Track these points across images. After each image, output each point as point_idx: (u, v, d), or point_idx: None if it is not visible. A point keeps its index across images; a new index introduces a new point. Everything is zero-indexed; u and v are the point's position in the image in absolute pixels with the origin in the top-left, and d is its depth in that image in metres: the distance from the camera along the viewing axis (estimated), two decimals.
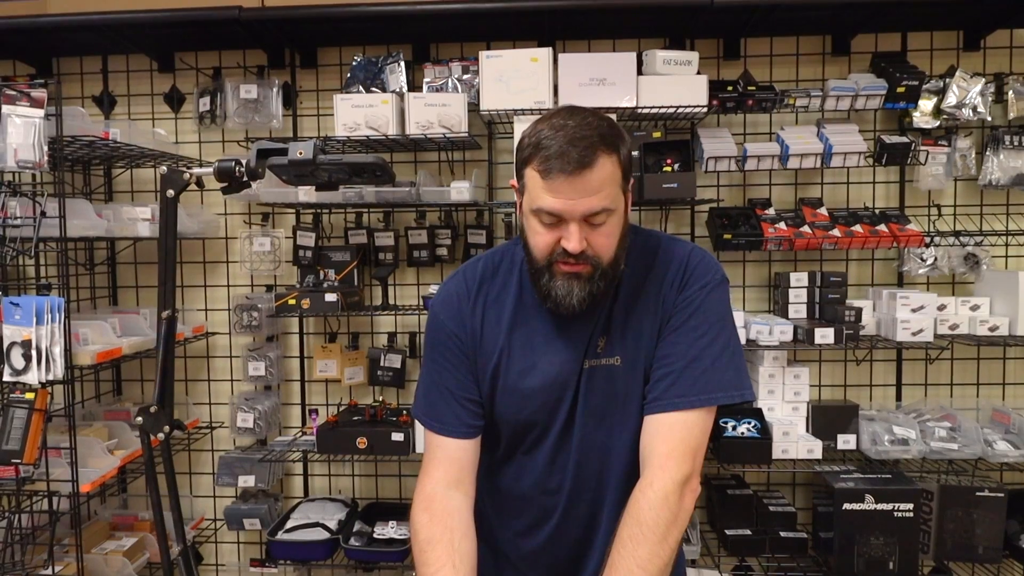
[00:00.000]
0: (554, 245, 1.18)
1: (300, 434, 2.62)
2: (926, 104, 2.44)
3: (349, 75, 2.53)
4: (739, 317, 2.35)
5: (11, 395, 2.01)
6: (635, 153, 2.33)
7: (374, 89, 2.49)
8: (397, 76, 2.49)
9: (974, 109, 2.41)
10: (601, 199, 1.14)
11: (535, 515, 1.36)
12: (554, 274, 1.20)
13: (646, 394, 1.26)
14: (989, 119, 2.44)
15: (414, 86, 2.55)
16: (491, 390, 1.32)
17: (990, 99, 2.43)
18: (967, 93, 2.40)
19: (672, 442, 1.20)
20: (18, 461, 1.98)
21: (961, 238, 2.46)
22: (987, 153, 2.48)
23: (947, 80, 2.42)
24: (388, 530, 2.43)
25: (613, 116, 2.24)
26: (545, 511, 1.34)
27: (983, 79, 2.41)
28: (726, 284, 1.28)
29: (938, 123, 2.45)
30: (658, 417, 1.22)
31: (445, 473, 1.30)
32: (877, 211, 2.51)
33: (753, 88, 2.39)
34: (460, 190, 2.37)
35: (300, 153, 1.14)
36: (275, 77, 2.64)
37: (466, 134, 2.32)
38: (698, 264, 1.27)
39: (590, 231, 1.17)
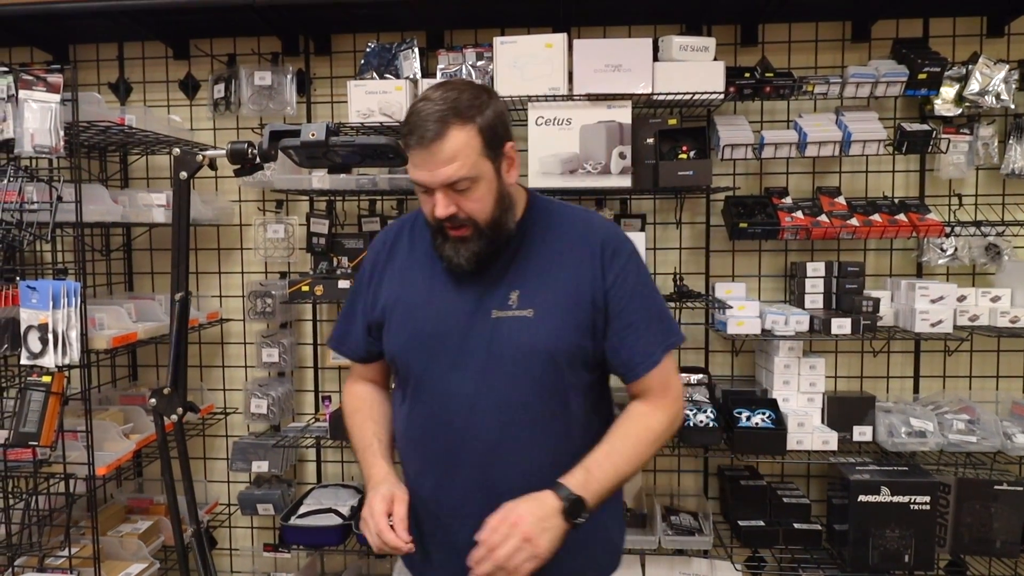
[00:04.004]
0: (434, 210, 1.29)
1: (313, 420, 2.63)
2: (948, 91, 2.40)
3: (363, 62, 2.53)
4: (755, 307, 2.33)
5: (28, 378, 2.03)
6: (650, 140, 2.31)
7: (388, 76, 2.48)
8: (411, 62, 2.48)
9: (997, 96, 2.36)
10: (457, 168, 1.23)
11: (425, 459, 1.39)
12: (445, 237, 1.32)
13: (623, 362, 1.36)
14: (1012, 107, 2.39)
15: (428, 72, 2.53)
16: (393, 334, 1.42)
17: (1014, 86, 2.38)
18: (990, 80, 2.36)
19: (662, 383, 1.37)
20: (35, 443, 2.01)
21: (982, 228, 2.42)
22: (1010, 141, 2.43)
23: (970, 67, 2.37)
24: None
25: (628, 102, 2.25)
26: (436, 455, 1.37)
27: (1007, 66, 2.36)
28: (637, 248, 1.44)
29: (960, 110, 2.40)
30: (646, 377, 1.36)
31: (361, 379, 1.58)
32: (896, 200, 2.47)
33: (771, 75, 2.35)
34: None
35: (312, 134, 1.14)
36: (289, 64, 2.64)
37: None
38: (616, 236, 1.40)
39: (459, 197, 1.27)
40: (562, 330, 1.32)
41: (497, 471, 1.32)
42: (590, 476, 1.25)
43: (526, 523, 1.18)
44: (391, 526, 1.26)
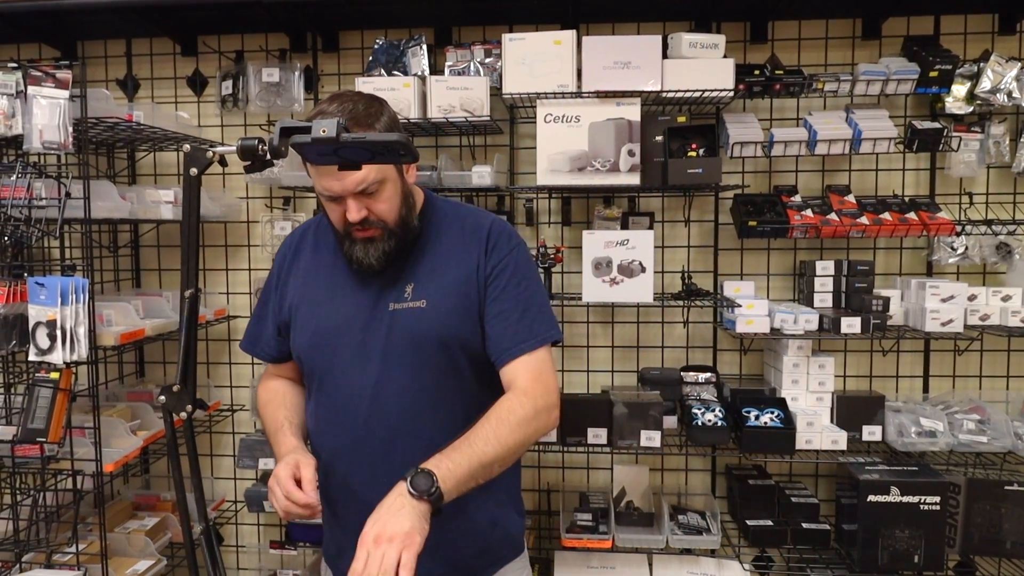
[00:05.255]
0: (344, 217, 1.37)
1: None
2: (959, 89, 2.38)
3: (371, 59, 2.52)
4: (763, 305, 2.32)
5: (36, 374, 2.03)
6: (659, 138, 2.30)
7: (396, 73, 2.47)
8: (419, 59, 2.47)
9: (1009, 94, 2.34)
10: (365, 173, 1.30)
11: (334, 449, 1.46)
12: (354, 240, 1.39)
13: (493, 348, 1.42)
14: None
15: (436, 70, 2.53)
16: (298, 332, 1.49)
17: None
18: (1002, 78, 2.34)
19: (532, 373, 1.40)
20: (43, 440, 2.01)
21: (993, 227, 2.41)
22: (1021, 139, 2.41)
23: (981, 64, 2.35)
24: None
25: (637, 100, 2.24)
26: (344, 445, 1.44)
27: (1018, 63, 2.34)
28: (525, 244, 1.52)
29: (971, 109, 2.38)
30: (515, 363, 1.40)
31: (275, 377, 1.63)
32: (907, 199, 2.46)
33: (780, 72, 2.34)
34: (481, 175, 2.35)
35: (323, 131, 1.13)
36: (297, 61, 2.64)
37: (488, 118, 2.30)
38: (501, 230, 1.48)
39: (368, 200, 1.35)
40: (452, 317, 1.41)
41: (399, 453, 1.38)
42: (443, 456, 1.26)
43: (375, 530, 1.15)
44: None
